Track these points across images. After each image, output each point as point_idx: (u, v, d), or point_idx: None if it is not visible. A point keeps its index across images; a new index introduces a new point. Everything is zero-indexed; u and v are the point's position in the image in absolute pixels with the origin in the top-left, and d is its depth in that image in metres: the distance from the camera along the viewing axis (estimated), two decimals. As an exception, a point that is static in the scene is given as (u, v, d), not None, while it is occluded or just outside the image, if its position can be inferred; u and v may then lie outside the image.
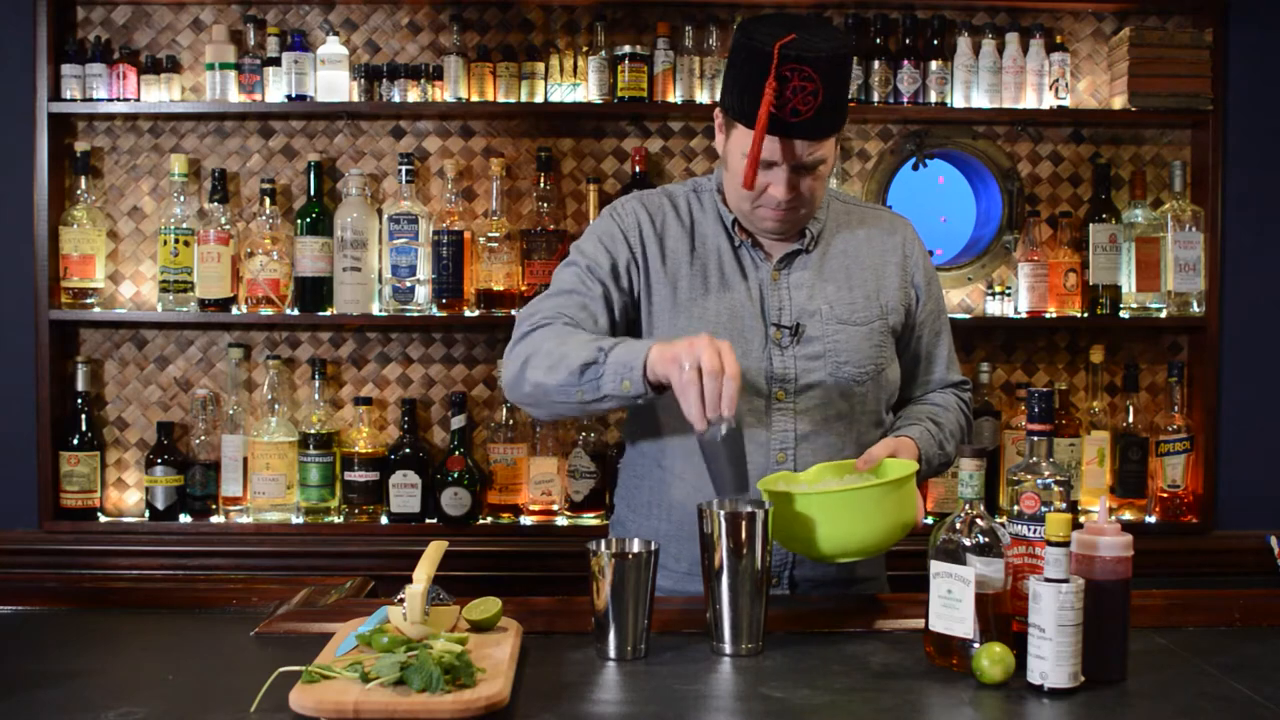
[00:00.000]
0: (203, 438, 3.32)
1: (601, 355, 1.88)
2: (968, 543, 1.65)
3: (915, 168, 3.39)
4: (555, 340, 1.95)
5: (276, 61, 3.29)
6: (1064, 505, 1.67)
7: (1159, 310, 3.35)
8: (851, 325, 2.08)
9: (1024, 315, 3.33)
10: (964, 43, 3.34)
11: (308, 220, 3.28)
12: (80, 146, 3.33)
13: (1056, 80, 3.32)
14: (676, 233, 2.11)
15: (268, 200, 3.31)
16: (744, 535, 1.73)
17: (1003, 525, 1.69)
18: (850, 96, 3.21)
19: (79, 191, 3.30)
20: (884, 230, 2.18)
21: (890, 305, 2.13)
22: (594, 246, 2.11)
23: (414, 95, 3.30)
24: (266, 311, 3.27)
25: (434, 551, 1.73)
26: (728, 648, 1.74)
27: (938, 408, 2.18)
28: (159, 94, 3.30)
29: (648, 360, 1.83)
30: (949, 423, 2.15)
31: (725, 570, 1.73)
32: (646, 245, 2.10)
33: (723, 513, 1.74)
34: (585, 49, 3.33)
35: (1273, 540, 3.19)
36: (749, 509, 1.76)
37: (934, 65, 3.29)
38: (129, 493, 3.39)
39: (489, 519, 3.30)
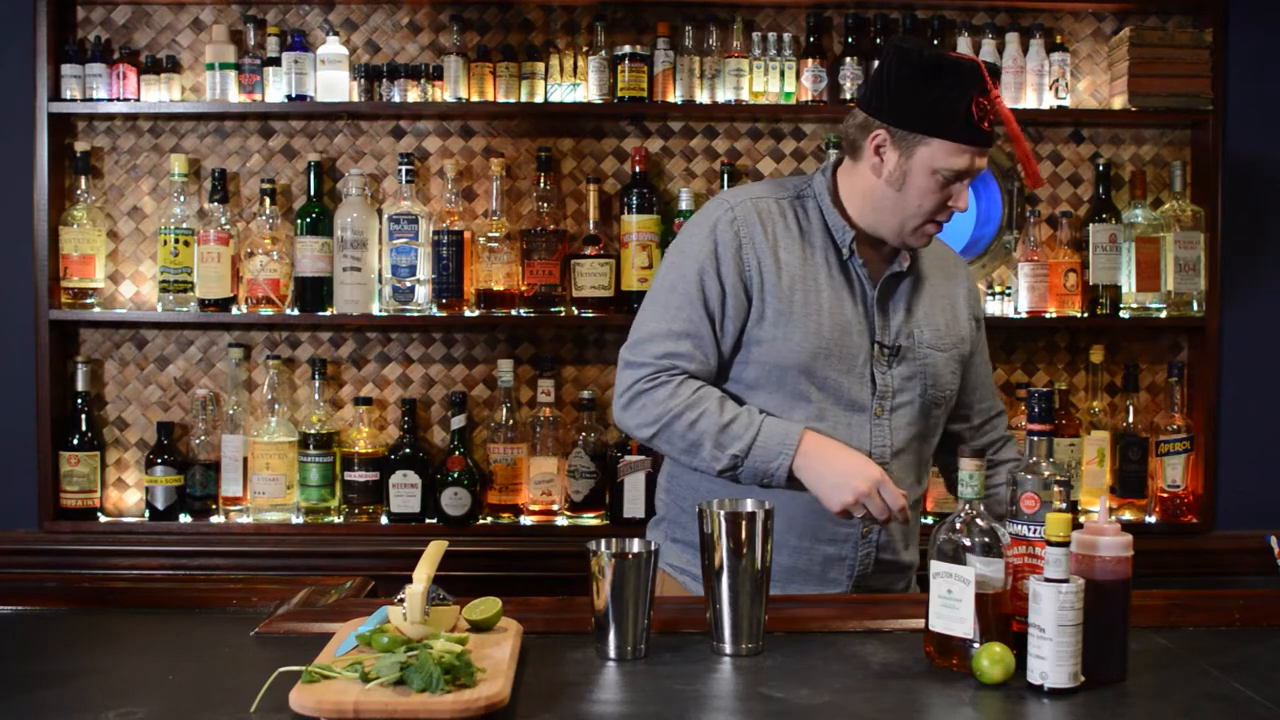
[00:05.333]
0: (203, 438, 3.32)
1: (738, 462, 2.02)
2: (968, 543, 1.65)
3: (915, 168, 3.38)
4: (686, 422, 2.03)
5: (276, 61, 3.29)
6: (1064, 505, 1.67)
7: (1159, 310, 3.34)
8: (938, 350, 2.17)
9: (1024, 315, 3.33)
10: (964, 43, 3.34)
11: (308, 220, 3.28)
12: (80, 146, 3.33)
13: (1056, 80, 3.32)
14: (788, 243, 2.12)
15: (268, 200, 3.31)
16: (744, 535, 1.74)
17: (1002, 525, 1.69)
18: (851, 97, 3.28)
19: (79, 191, 3.30)
20: (951, 263, 2.29)
21: (964, 335, 2.24)
22: (705, 271, 2.08)
23: (414, 95, 3.30)
24: (266, 311, 3.26)
25: (434, 551, 1.73)
26: (728, 648, 1.74)
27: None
28: (159, 94, 3.30)
29: (794, 468, 2.00)
30: None
31: (725, 570, 1.73)
32: (761, 258, 2.10)
33: (723, 513, 1.74)
34: (585, 49, 3.33)
35: (1273, 540, 3.18)
36: (749, 509, 1.77)
37: (934, 65, 3.29)
38: (129, 493, 3.39)
39: (489, 519, 3.30)
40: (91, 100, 3.27)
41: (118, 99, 3.27)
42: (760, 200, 2.14)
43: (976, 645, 1.62)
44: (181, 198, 3.29)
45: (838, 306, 2.11)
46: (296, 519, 3.26)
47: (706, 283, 2.08)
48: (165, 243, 3.25)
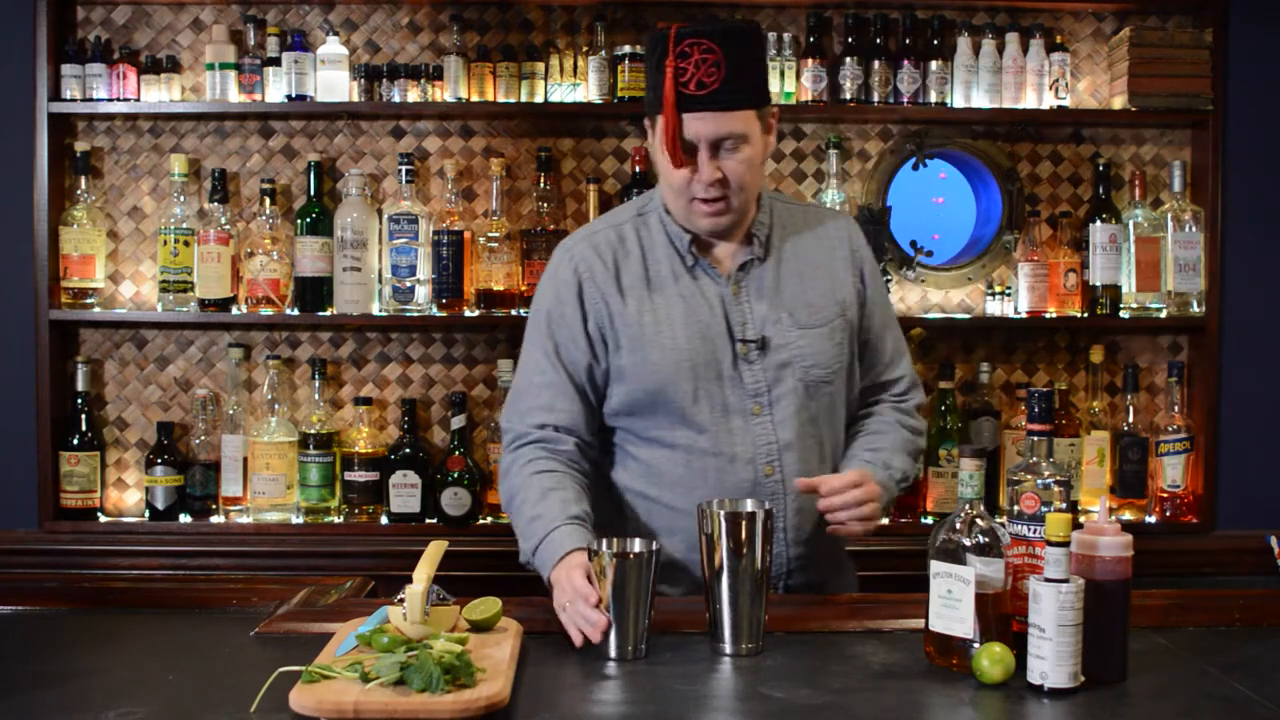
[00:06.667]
0: (203, 438, 3.32)
1: (528, 556, 1.97)
2: (968, 543, 1.65)
3: (915, 168, 3.38)
4: (519, 506, 2.01)
5: (276, 61, 3.29)
6: (1064, 505, 1.67)
7: (1159, 310, 3.34)
8: (812, 329, 2.09)
9: (1024, 315, 3.33)
10: (964, 43, 3.34)
11: (308, 220, 3.28)
12: (80, 146, 3.33)
13: (1056, 80, 3.32)
14: (630, 267, 2.11)
15: (268, 200, 3.31)
16: (744, 535, 1.74)
17: (1002, 525, 1.69)
18: (851, 97, 3.27)
19: (79, 191, 3.30)
20: (828, 226, 2.19)
21: (846, 300, 2.14)
22: (553, 319, 2.11)
23: (414, 95, 3.30)
24: (266, 311, 3.26)
25: (434, 551, 1.73)
26: (728, 648, 1.74)
27: (874, 436, 2.16)
28: (159, 94, 3.30)
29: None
30: (888, 448, 2.14)
31: (725, 570, 1.74)
32: (605, 293, 2.09)
33: (723, 513, 1.74)
34: (585, 49, 3.33)
35: (1273, 540, 3.19)
36: (749, 509, 1.77)
37: (934, 65, 3.29)
38: (129, 493, 3.39)
39: (489, 519, 3.30)
40: (91, 100, 3.27)
41: (118, 99, 3.27)
42: (597, 234, 2.15)
43: (976, 645, 1.62)
44: (181, 198, 3.29)
45: (691, 315, 2.07)
46: (296, 519, 3.26)
47: (557, 332, 2.10)
48: (165, 243, 3.25)
